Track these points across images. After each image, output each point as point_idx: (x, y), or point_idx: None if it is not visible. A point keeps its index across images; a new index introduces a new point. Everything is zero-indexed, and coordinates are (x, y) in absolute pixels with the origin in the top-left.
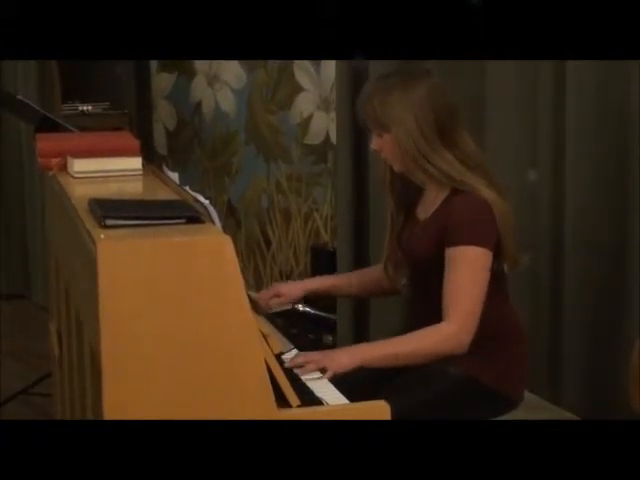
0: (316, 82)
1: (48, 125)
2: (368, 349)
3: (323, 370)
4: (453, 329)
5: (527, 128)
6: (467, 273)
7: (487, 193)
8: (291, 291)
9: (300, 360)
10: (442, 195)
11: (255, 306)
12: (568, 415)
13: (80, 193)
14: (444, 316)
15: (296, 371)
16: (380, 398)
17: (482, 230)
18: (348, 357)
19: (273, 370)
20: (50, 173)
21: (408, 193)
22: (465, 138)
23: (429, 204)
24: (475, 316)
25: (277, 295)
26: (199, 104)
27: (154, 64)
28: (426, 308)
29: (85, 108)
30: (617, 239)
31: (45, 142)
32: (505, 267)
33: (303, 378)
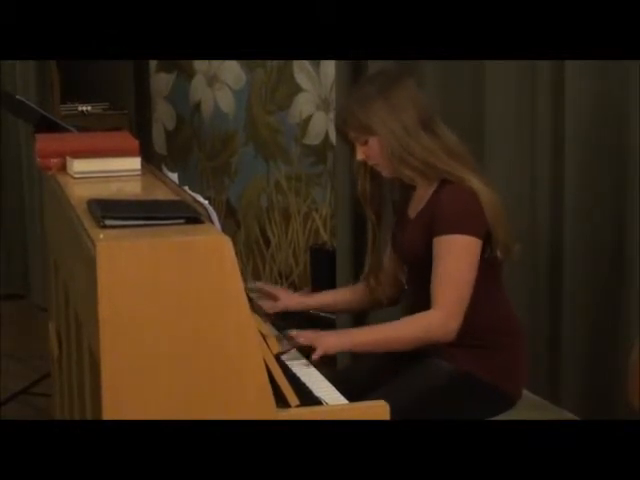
0: (315, 82)
1: (47, 125)
2: (358, 333)
3: (312, 349)
4: (440, 316)
5: (527, 129)
6: (453, 261)
7: (473, 182)
8: (289, 300)
9: (292, 334)
10: (431, 190)
11: (254, 306)
12: (568, 415)
13: (79, 193)
14: (432, 304)
15: (285, 344)
16: (378, 395)
17: (468, 219)
18: (337, 339)
19: (272, 370)
20: (49, 173)
21: (397, 199)
22: (443, 129)
23: (419, 201)
24: (462, 303)
25: (275, 297)
26: (198, 104)
27: (153, 64)
28: (424, 303)
29: (84, 108)
30: (616, 239)
31: (44, 142)
32: (499, 254)
33: (303, 379)
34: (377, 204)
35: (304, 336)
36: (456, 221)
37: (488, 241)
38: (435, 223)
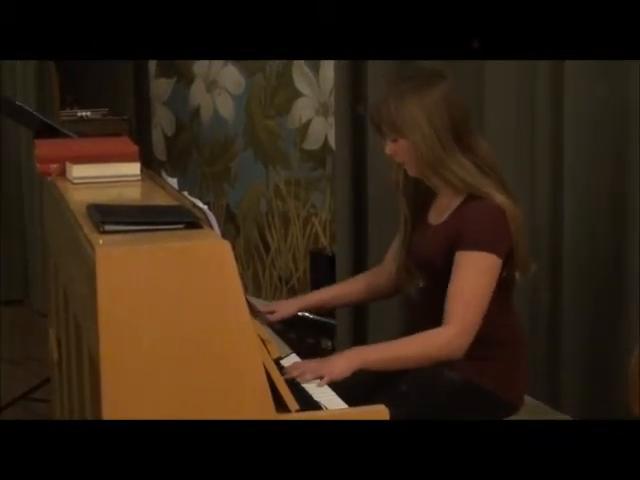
0: (315, 87)
1: (47, 131)
2: (366, 352)
3: (320, 378)
4: (452, 334)
5: (526, 129)
6: (472, 278)
7: (500, 199)
8: (285, 309)
9: (297, 371)
10: (456, 201)
11: (254, 311)
12: (568, 419)
13: (79, 199)
14: (445, 319)
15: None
16: (379, 403)
17: (493, 237)
18: (346, 362)
19: (272, 375)
20: (49, 179)
21: (420, 197)
22: (479, 142)
23: (442, 209)
24: (476, 322)
25: (271, 312)
26: (198, 109)
27: (152, 69)
28: (434, 313)
29: (84, 114)
30: (616, 242)
31: (44, 148)
32: (517, 275)
33: (303, 383)
34: (411, 195)
35: (310, 370)
36: (482, 238)
37: (507, 260)
38: (460, 238)
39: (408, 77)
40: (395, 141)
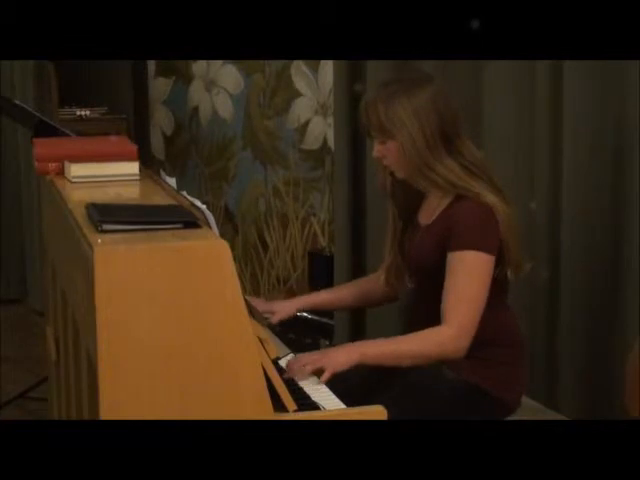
0: (314, 87)
1: (45, 130)
2: (366, 346)
3: (321, 370)
4: (452, 333)
5: (525, 129)
6: (467, 278)
7: (490, 198)
8: (283, 309)
9: (297, 365)
10: (445, 201)
11: (252, 311)
12: (565, 419)
13: (77, 198)
14: (443, 320)
15: (295, 377)
16: (378, 403)
17: (484, 235)
18: (346, 354)
19: (270, 375)
20: (47, 177)
21: (410, 199)
22: (467, 144)
23: (432, 210)
24: (474, 321)
25: (270, 312)
26: (196, 109)
27: (152, 69)
28: (428, 313)
29: (82, 113)
30: (614, 241)
31: (42, 147)
32: (509, 273)
33: (301, 383)
34: (398, 197)
35: (311, 362)
36: (472, 237)
37: (499, 259)
38: (451, 237)
39: (396, 80)
40: (383, 143)
